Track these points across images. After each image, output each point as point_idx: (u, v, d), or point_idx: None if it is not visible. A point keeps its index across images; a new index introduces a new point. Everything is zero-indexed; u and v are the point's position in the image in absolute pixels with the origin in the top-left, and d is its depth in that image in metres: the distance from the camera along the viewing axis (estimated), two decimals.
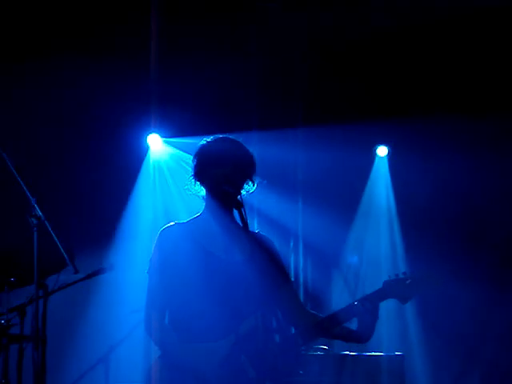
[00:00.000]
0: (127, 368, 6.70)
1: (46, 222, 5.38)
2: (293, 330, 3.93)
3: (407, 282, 3.91)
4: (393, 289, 3.92)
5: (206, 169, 3.93)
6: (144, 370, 3.90)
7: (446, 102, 7.67)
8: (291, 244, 7.89)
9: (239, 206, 3.78)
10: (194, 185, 3.97)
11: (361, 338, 3.94)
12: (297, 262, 7.89)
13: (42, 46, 7.15)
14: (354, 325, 3.94)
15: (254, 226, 4.00)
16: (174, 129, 7.64)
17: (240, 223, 3.80)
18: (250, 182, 3.96)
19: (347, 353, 6.55)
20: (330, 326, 3.90)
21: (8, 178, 5.44)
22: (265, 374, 3.75)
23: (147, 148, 7.77)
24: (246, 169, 3.94)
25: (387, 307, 4.07)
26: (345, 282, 7.97)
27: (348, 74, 7.77)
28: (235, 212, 3.80)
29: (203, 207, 3.99)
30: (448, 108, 7.61)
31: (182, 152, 7.65)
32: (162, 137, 7.77)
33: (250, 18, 7.52)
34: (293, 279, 6.71)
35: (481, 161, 7.62)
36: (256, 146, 7.33)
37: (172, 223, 3.97)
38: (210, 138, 4.01)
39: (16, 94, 7.23)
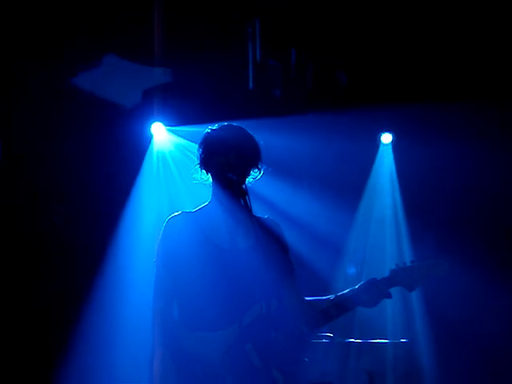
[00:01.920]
0: (131, 366, 6.70)
1: None
2: (292, 318, 3.93)
3: (414, 269, 3.93)
4: (399, 277, 3.94)
5: (210, 157, 3.92)
6: (148, 360, 3.91)
7: (451, 88, 7.64)
8: (295, 232, 7.88)
9: (243, 194, 3.78)
10: (200, 173, 3.97)
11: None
12: (301, 249, 7.89)
13: (43, 37, 7.14)
14: None
15: (261, 213, 4.00)
16: (178, 117, 7.62)
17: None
18: (256, 170, 3.95)
19: (352, 340, 6.56)
20: (336, 314, 3.91)
21: None
22: (270, 362, 3.76)
23: (151, 137, 7.74)
24: (250, 156, 3.94)
25: (392, 294, 4.06)
26: (349, 270, 7.97)
27: (352, 59, 7.75)
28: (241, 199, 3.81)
29: (210, 197, 3.99)
30: (453, 94, 7.58)
31: (186, 141, 7.63)
32: (166, 125, 7.74)
33: (253, 10, 7.51)
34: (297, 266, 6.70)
35: (487, 148, 7.60)
36: (259, 133, 7.35)
37: (178, 213, 3.97)
38: (214, 126, 4.00)
39: (19, 85, 7.23)
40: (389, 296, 3.94)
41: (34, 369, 7.03)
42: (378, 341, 6.63)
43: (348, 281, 7.74)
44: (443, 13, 7.35)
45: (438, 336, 7.64)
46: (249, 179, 3.93)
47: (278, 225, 4.09)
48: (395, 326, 7.56)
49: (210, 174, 3.95)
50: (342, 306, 3.90)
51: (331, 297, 3.96)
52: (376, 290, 3.90)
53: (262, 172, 3.97)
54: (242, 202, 3.79)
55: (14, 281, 7.16)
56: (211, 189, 3.97)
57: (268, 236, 3.93)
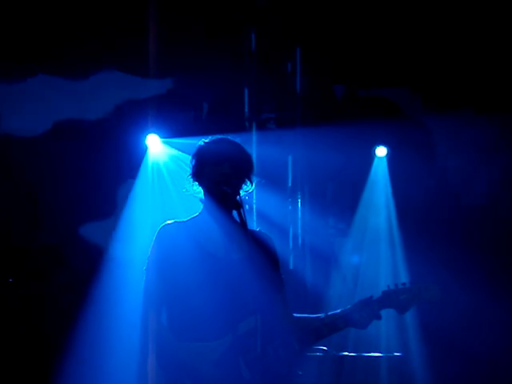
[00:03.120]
0: (126, 368, 6.69)
1: None
2: (283, 333, 3.92)
3: (406, 292, 3.94)
4: (391, 299, 3.97)
5: (204, 169, 3.92)
6: (138, 368, 3.89)
7: (444, 102, 7.66)
8: (290, 244, 7.88)
9: (238, 206, 3.77)
10: (193, 185, 3.97)
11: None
12: (296, 262, 7.88)
13: (38, 48, 7.16)
14: None
15: (253, 226, 3.99)
16: (173, 129, 7.63)
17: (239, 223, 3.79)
18: (249, 182, 3.95)
19: (346, 354, 6.55)
20: (328, 334, 3.93)
21: None
22: (259, 376, 3.75)
23: (146, 148, 7.74)
24: (244, 169, 3.94)
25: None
26: (343, 282, 7.96)
27: (346, 72, 7.77)
28: (234, 211, 3.80)
29: (201, 207, 3.98)
30: (447, 107, 7.60)
31: (181, 152, 7.63)
32: (161, 137, 7.75)
33: (249, 18, 7.52)
34: (291, 279, 6.69)
35: (481, 162, 7.61)
36: (254, 146, 7.36)
37: (171, 221, 3.96)
38: (208, 139, 4.01)
39: (15, 94, 7.25)
40: (379, 317, 3.95)
41: (31, 373, 7.05)
42: (371, 354, 6.61)
43: (351, 270, 7.77)
44: (436, 28, 7.38)
45: (432, 349, 7.63)
46: (241, 192, 3.92)
47: (271, 238, 4.08)
48: (389, 339, 7.55)
49: (201, 186, 3.94)
50: (333, 326, 3.91)
51: (322, 315, 3.96)
52: (368, 309, 3.91)
53: (253, 185, 3.98)
54: (236, 214, 3.77)
55: (11, 287, 7.18)
56: (202, 201, 3.96)
57: (260, 250, 3.92)
